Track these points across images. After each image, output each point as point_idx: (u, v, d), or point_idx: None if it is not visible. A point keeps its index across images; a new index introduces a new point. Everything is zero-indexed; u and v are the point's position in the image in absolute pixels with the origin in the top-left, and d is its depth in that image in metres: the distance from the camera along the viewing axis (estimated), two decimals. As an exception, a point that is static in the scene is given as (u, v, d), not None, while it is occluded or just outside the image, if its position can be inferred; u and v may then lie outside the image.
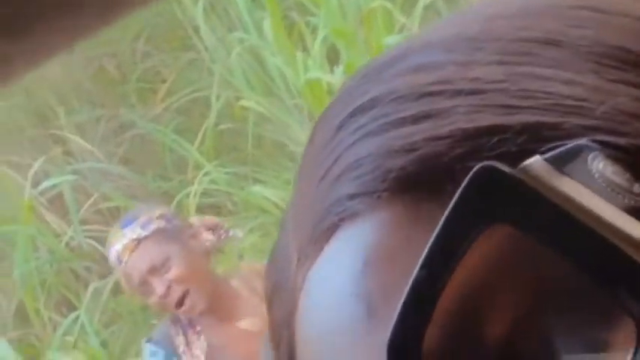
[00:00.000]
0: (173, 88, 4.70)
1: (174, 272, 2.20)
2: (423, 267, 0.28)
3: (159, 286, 2.22)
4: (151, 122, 4.62)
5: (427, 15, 3.91)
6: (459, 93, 0.30)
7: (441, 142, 0.30)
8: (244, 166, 4.24)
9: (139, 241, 2.22)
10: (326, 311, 0.31)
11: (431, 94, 0.31)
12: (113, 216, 4.64)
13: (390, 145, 0.31)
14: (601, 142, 0.28)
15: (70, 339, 4.36)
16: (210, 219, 2.38)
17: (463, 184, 0.27)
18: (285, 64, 4.11)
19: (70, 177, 4.61)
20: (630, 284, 0.27)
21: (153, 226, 2.23)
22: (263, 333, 2.05)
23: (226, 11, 4.53)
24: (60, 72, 5.06)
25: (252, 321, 2.12)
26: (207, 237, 2.30)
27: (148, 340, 2.42)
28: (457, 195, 0.27)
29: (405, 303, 0.28)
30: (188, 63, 4.72)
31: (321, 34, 4.09)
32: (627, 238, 0.27)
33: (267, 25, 4.21)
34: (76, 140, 4.74)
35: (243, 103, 4.28)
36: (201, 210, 4.25)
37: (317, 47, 4.04)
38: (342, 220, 0.31)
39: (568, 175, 0.28)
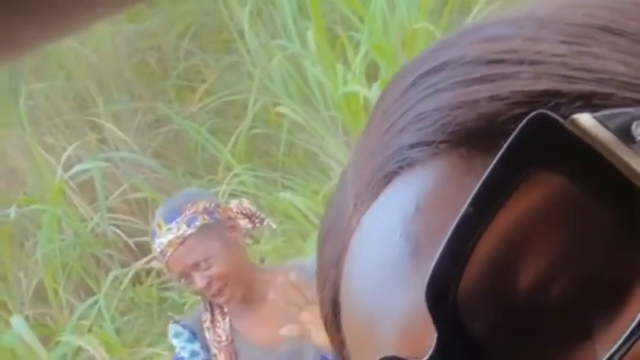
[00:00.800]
0: (212, 89, 4.75)
1: (215, 269, 2.27)
2: (470, 205, 0.29)
3: (200, 281, 2.28)
4: (186, 119, 4.67)
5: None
6: (522, 61, 0.33)
7: (501, 102, 0.32)
8: (274, 171, 4.28)
9: (184, 239, 2.27)
10: (375, 248, 0.33)
11: (498, 60, 0.34)
12: (140, 207, 4.70)
13: (455, 101, 0.33)
14: None
15: (86, 323, 4.41)
16: (248, 206, 2.43)
17: (517, 129, 0.29)
18: (324, 75, 4.15)
19: (102, 164, 4.67)
20: None
21: (197, 223, 2.28)
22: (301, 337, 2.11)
23: (272, 18, 4.58)
24: (102, 60, 5.13)
25: (290, 327, 2.18)
26: (245, 224, 2.36)
27: (176, 322, 2.47)
28: (510, 138, 0.29)
29: (448, 240, 0.29)
30: (229, 65, 4.77)
31: (362, 50, 4.13)
32: None
33: (310, 35, 4.26)
34: (112, 129, 4.81)
35: (280, 109, 4.32)
36: (227, 210, 4.31)
37: (357, 62, 4.09)
38: (400, 167, 0.34)
39: (614, 133, 0.29)
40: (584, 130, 0.29)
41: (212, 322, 2.39)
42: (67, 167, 4.76)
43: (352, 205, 0.35)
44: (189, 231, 2.25)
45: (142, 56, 5.05)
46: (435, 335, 0.30)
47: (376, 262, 0.33)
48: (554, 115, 0.29)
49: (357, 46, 4.20)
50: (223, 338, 2.38)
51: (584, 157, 0.29)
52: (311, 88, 4.23)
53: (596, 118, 0.30)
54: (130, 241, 4.53)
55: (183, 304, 4.14)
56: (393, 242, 0.33)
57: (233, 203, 2.40)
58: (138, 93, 4.98)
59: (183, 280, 2.31)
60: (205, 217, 2.28)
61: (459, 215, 0.29)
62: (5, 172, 4.99)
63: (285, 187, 4.18)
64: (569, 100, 0.32)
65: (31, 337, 4.02)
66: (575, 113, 0.30)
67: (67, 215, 4.65)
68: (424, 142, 0.33)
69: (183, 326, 2.40)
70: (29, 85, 5.11)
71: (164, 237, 2.26)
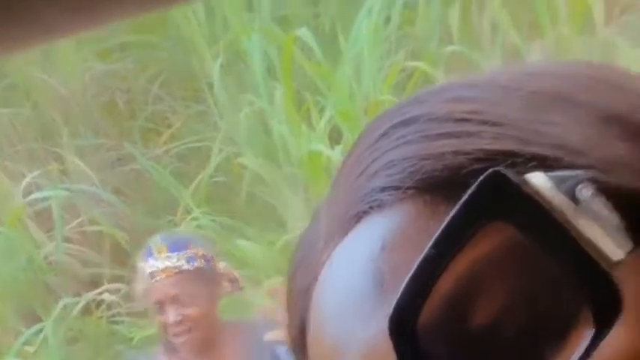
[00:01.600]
0: (177, 134, 4.92)
1: (190, 310, 2.40)
2: (432, 247, 0.33)
3: (173, 315, 2.41)
4: (150, 160, 4.83)
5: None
6: (485, 122, 0.37)
7: (464, 157, 0.36)
8: (232, 219, 4.46)
9: (179, 271, 2.42)
10: (344, 281, 0.36)
11: (463, 119, 0.37)
12: (96, 240, 4.83)
13: (423, 152, 0.37)
14: (591, 178, 0.34)
15: (30, 349, 4.49)
16: (233, 272, 2.60)
17: (476, 183, 0.32)
18: (289, 133, 4.39)
19: (63, 193, 4.79)
20: (596, 289, 0.32)
21: (195, 264, 2.44)
22: None
23: (241, 74, 4.80)
24: (70, 94, 5.27)
25: None
26: (226, 286, 2.53)
27: (132, 357, 2.61)
28: (469, 191, 0.32)
29: (411, 277, 0.33)
30: (196, 114, 4.95)
31: (327, 114, 4.38)
32: (599, 253, 0.32)
33: (278, 94, 4.50)
34: (74, 161, 4.93)
35: (242, 160, 4.53)
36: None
37: (322, 124, 4.33)
38: (371, 207, 0.37)
39: (562, 192, 0.33)
40: (533, 189, 0.33)
41: None
42: (25, 194, 4.87)
43: (324, 240, 0.39)
44: (187, 267, 2.42)
45: (110, 95, 5.20)
46: None
47: (345, 293, 0.36)
48: (508, 172, 0.33)
49: (322, 110, 4.44)
50: None
51: (532, 212, 0.32)
52: (275, 144, 4.45)
53: (547, 178, 0.33)
54: (82, 272, 4.66)
55: (131, 339, 4.27)
56: (360, 277, 0.36)
57: (221, 264, 2.58)
58: (103, 130, 5.12)
59: (156, 307, 2.45)
60: (203, 262, 2.46)
61: (422, 255, 0.33)
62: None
63: (241, 235, 4.36)
64: (523, 160, 0.35)
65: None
66: (528, 173, 0.34)
67: (21, 240, 4.74)
68: (393, 186, 0.36)
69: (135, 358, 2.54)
70: (-6, 109, 5.21)
71: (161, 262, 2.41)
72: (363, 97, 4.38)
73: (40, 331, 4.50)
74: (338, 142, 4.31)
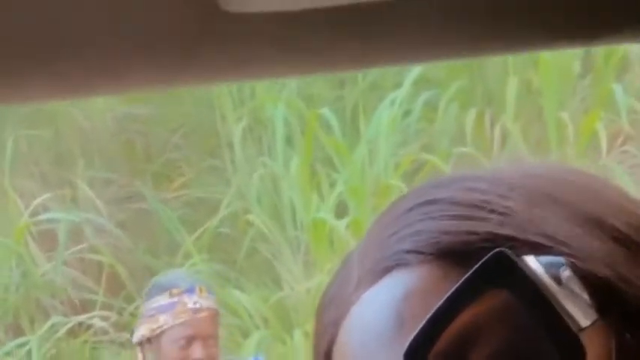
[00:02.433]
0: (189, 183, 5.13)
1: (214, 351, 2.51)
2: (444, 301, 0.41)
3: (200, 352, 2.50)
4: (159, 203, 5.03)
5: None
6: (494, 211, 0.45)
7: (476, 236, 0.45)
8: (230, 270, 4.65)
9: (217, 313, 2.56)
10: (370, 319, 0.44)
11: (477, 206, 0.46)
12: (94, 268, 4.99)
13: (443, 228, 0.46)
14: (571, 264, 0.43)
15: (10, 360, 4.59)
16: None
17: (483, 259, 0.42)
18: (299, 199, 4.63)
19: (70, 217, 4.96)
20: (566, 346, 0.40)
21: (218, 309, 2.63)
22: None
23: (260, 138, 5.05)
24: (91, 127, 5.48)
25: None
26: None
27: None
28: (477, 265, 0.42)
29: (426, 322, 0.41)
30: (210, 167, 5.17)
31: (338, 189, 4.63)
32: (572, 319, 0.42)
33: (294, 162, 4.75)
34: (85, 190, 5.11)
35: (250, 217, 4.75)
36: (177, 292, 4.65)
37: (332, 197, 4.58)
38: (397, 264, 0.45)
39: (547, 272, 0.42)
40: (528, 267, 0.42)
41: None
42: (32, 213, 5.04)
43: (355, 284, 0.47)
44: (218, 310, 2.62)
45: (129, 137, 5.41)
46: None
47: (370, 331, 0.44)
48: (509, 253, 0.42)
49: (333, 184, 4.69)
50: None
51: (525, 285, 0.41)
52: (283, 207, 4.68)
53: (538, 260, 0.43)
54: (75, 296, 4.80)
55: (112, 366, 4.40)
56: (384, 319, 0.44)
57: None
58: (117, 167, 5.32)
59: (182, 342, 2.50)
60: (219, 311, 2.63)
61: (436, 307, 0.41)
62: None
63: (237, 287, 4.55)
64: (521, 244, 0.44)
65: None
66: (524, 254, 0.43)
67: (20, 255, 4.89)
68: (417, 251, 0.45)
69: None
70: (17, 129, 5.40)
71: (204, 300, 2.57)
72: (374, 178, 4.64)
73: (24, 344, 4.61)
74: (343, 216, 4.55)
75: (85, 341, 4.61)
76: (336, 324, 0.46)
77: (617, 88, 4.56)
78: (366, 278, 0.46)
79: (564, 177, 0.48)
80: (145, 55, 0.49)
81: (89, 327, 4.62)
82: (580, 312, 0.42)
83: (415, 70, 4.60)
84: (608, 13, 0.56)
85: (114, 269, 4.84)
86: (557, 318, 0.41)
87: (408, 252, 0.45)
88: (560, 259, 0.43)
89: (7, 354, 4.61)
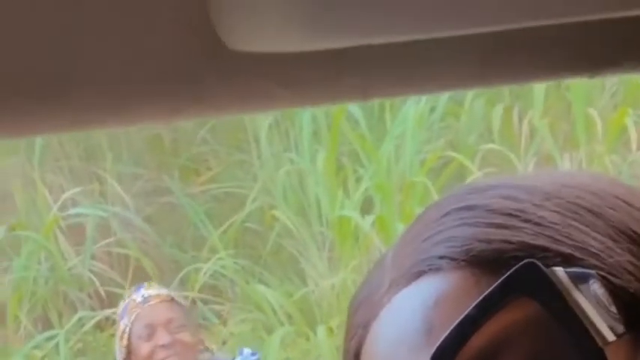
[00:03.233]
0: (216, 177, 5.16)
1: (183, 336, 2.57)
2: (473, 309, 0.42)
3: (163, 337, 2.57)
4: (186, 197, 5.06)
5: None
6: (528, 221, 0.46)
7: (509, 245, 0.45)
8: (255, 265, 4.67)
9: (172, 299, 2.63)
10: (399, 322, 0.45)
11: (511, 215, 0.46)
12: (121, 262, 5.03)
13: (477, 236, 0.46)
14: (602, 276, 0.44)
15: (38, 353, 4.65)
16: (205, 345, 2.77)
17: (514, 268, 0.42)
18: (325, 195, 4.62)
19: (98, 212, 5.00)
20: (592, 358, 0.41)
21: (185, 303, 2.69)
22: None
23: (287, 133, 5.06)
24: (120, 123, 5.52)
25: None
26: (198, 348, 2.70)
27: None
28: (506, 274, 0.42)
29: (454, 328, 0.41)
30: (238, 162, 5.19)
31: (364, 185, 4.62)
32: (598, 333, 0.42)
33: (320, 157, 4.75)
34: (113, 184, 5.15)
35: (276, 212, 4.76)
36: (203, 289, 4.68)
37: (357, 193, 4.57)
38: (430, 269, 0.46)
39: (576, 284, 0.43)
40: (557, 278, 0.42)
41: None
42: (61, 208, 5.09)
43: (388, 285, 0.47)
44: (178, 299, 2.66)
45: (157, 131, 5.44)
46: None
47: (399, 334, 0.45)
48: (540, 264, 0.42)
49: (359, 179, 4.68)
50: None
51: (554, 296, 0.42)
52: (309, 203, 4.68)
53: (567, 272, 0.43)
54: (102, 290, 4.84)
55: (139, 359, 4.43)
56: (414, 322, 0.44)
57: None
58: (145, 161, 5.36)
59: (144, 333, 2.56)
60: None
61: (464, 314, 0.42)
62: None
63: (261, 282, 4.56)
64: (553, 255, 0.44)
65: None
66: (555, 265, 0.43)
67: (50, 249, 4.95)
68: (450, 257, 0.45)
69: None
70: (46, 124, 5.45)
71: (152, 290, 2.63)
72: (400, 175, 4.63)
73: (52, 337, 4.66)
74: (368, 213, 4.54)
75: (112, 335, 4.64)
76: (366, 326, 0.47)
77: (647, 84, 4.51)
78: (397, 281, 0.46)
79: (601, 188, 0.48)
80: (151, 90, 0.51)
81: (116, 321, 4.65)
82: (607, 325, 0.42)
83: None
84: (608, 49, 0.58)
85: (140, 263, 4.87)
86: (583, 330, 0.41)
87: (441, 257, 0.45)
88: (591, 271, 0.43)
89: (36, 347, 4.66)
